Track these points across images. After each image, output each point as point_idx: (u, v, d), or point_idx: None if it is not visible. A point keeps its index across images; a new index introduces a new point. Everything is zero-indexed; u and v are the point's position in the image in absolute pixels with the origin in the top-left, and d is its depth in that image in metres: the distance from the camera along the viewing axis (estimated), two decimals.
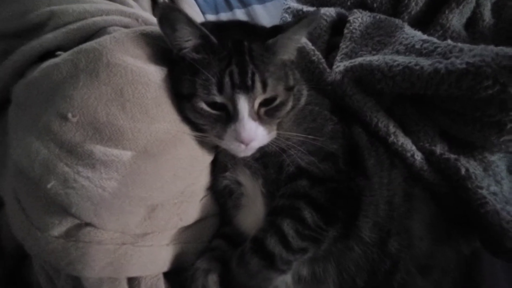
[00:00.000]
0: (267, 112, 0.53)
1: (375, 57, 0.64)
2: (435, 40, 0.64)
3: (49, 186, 0.42)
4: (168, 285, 0.50)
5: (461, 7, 0.79)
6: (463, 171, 0.59)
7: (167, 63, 0.53)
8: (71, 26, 0.55)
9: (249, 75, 0.49)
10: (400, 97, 0.69)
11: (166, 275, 0.51)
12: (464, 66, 0.52)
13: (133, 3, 0.64)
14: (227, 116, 0.51)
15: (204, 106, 0.50)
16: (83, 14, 0.56)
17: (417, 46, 0.65)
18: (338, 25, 0.85)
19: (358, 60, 0.66)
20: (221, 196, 0.60)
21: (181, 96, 0.51)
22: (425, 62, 0.57)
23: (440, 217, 0.57)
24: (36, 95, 0.49)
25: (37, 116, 0.47)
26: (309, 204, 0.50)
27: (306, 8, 0.86)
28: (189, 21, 0.46)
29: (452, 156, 0.62)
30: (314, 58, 0.78)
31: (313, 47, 0.79)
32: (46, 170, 0.43)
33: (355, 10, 0.82)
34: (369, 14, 0.82)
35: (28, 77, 0.52)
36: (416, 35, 0.68)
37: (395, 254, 0.52)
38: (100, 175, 0.42)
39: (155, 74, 0.50)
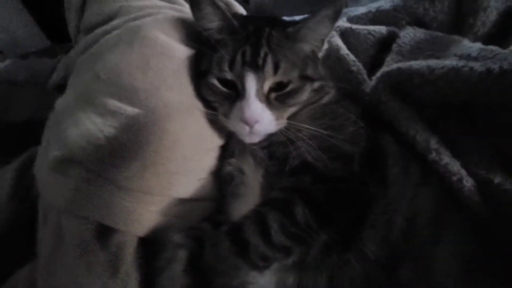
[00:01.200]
0: (278, 97, 0.52)
1: (417, 62, 0.57)
2: (497, 48, 0.54)
3: (64, 126, 0.48)
4: (139, 251, 0.48)
5: None
6: None
7: (197, 46, 0.58)
8: (131, 16, 0.66)
9: (261, 55, 0.49)
10: (447, 110, 0.58)
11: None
12: None
13: (185, 3, 0.73)
14: (236, 95, 0.51)
15: (216, 82, 0.52)
16: (143, 9, 0.67)
17: (474, 55, 0.56)
18: (389, 42, 0.80)
19: (397, 64, 0.60)
20: (223, 182, 0.58)
21: (200, 74, 0.54)
22: (476, 64, 0.48)
23: (485, 261, 0.43)
24: (87, 62, 0.59)
25: (81, 77, 0.56)
26: (304, 200, 0.44)
27: (354, 27, 0.85)
28: (213, 3, 0.50)
29: None
30: (353, 68, 0.74)
31: (354, 58, 0.76)
32: (67, 115, 0.49)
33: (409, 27, 0.77)
34: (424, 31, 0.75)
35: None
36: (475, 46, 0.59)
37: (406, 284, 0.40)
38: (105, 122, 0.46)
39: (181, 51, 0.55)
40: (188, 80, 0.54)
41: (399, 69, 0.58)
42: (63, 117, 0.50)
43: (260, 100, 0.50)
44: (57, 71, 0.75)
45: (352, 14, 0.93)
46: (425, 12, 0.78)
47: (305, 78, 0.54)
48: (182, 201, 0.53)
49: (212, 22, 0.53)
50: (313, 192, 0.46)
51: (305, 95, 0.54)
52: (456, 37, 0.69)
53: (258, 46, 0.50)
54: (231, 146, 0.59)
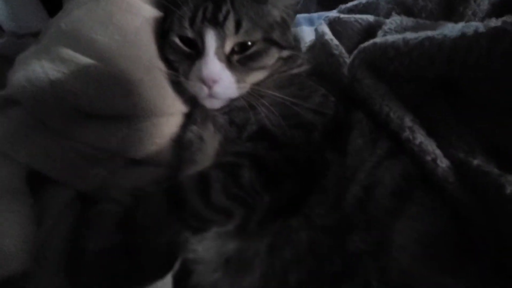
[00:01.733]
0: (240, 60, 0.50)
1: (394, 36, 0.54)
2: (480, 23, 0.50)
3: (15, 71, 0.46)
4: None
5: None
6: (508, 190, 0.40)
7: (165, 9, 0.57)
8: None
9: (223, 12, 0.47)
10: (426, 88, 0.54)
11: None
12: (499, 24, 0.38)
13: None
14: (197, 54, 0.49)
15: (176, 40, 0.50)
16: None
17: (455, 29, 0.52)
18: (376, 30, 0.78)
19: (374, 39, 0.57)
20: (182, 148, 0.55)
21: (164, 33, 0.53)
22: (451, 32, 0.45)
23: (451, 240, 0.37)
24: (57, 21, 0.58)
25: (47, 33, 0.55)
26: (253, 164, 0.41)
27: (342, 15, 0.83)
28: None
29: (495, 171, 0.43)
30: (335, 52, 0.71)
31: (337, 43, 0.73)
32: (22, 63, 0.48)
33: (395, 14, 0.75)
34: (412, 19, 0.72)
35: None
36: (458, 25, 0.56)
37: (354, 255, 0.35)
38: (53, 67, 0.44)
39: (147, 10, 0.54)
40: (151, 39, 0.53)
41: (374, 43, 0.55)
42: (18, 65, 0.49)
43: (220, 59, 0.47)
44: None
45: (343, 6, 0.92)
46: (414, 2, 0.76)
47: (271, 42, 0.51)
48: (132, 163, 0.50)
49: None
50: (266, 157, 0.42)
51: (269, 60, 0.51)
52: (442, 22, 0.66)
53: (220, 3, 0.48)
54: (194, 114, 0.56)
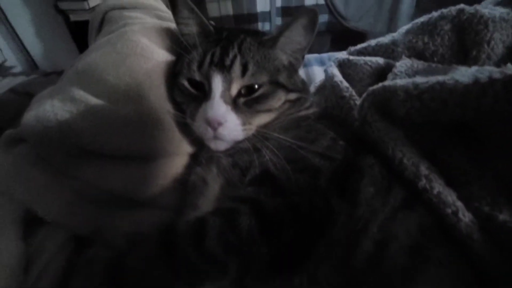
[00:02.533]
0: (246, 102, 0.50)
1: (403, 79, 0.53)
2: (494, 68, 0.49)
3: (29, 109, 0.48)
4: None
5: None
6: None
7: (178, 54, 0.59)
8: None
9: (230, 56, 0.49)
10: (440, 133, 0.51)
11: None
12: None
13: None
14: (203, 96, 0.50)
15: (185, 82, 0.51)
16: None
17: (467, 74, 0.51)
18: (386, 73, 0.77)
19: (383, 83, 0.56)
20: (187, 191, 0.53)
21: (174, 76, 0.54)
22: (463, 77, 0.43)
23: None
24: (76, 63, 0.61)
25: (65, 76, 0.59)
26: (254, 211, 0.38)
27: (352, 57, 0.84)
28: (189, 6, 0.52)
29: None
30: (345, 94, 0.70)
31: (347, 85, 0.72)
32: (36, 102, 0.50)
33: (406, 57, 0.75)
34: (423, 62, 0.72)
35: None
36: (472, 68, 0.54)
37: None
38: (63, 107, 0.45)
39: (160, 54, 0.56)
40: (161, 82, 0.54)
41: (383, 86, 0.54)
42: (33, 104, 0.51)
43: (226, 102, 0.48)
44: None
45: (352, 48, 0.94)
46: (425, 46, 0.76)
47: (277, 85, 0.51)
48: (133, 205, 0.48)
49: (189, 27, 0.54)
50: (268, 203, 0.39)
51: (276, 102, 0.51)
52: (456, 66, 0.65)
53: (227, 48, 0.50)
54: (200, 156, 0.55)
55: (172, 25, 0.69)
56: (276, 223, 0.37)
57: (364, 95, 0.59)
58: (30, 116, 0.45)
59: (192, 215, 0.49)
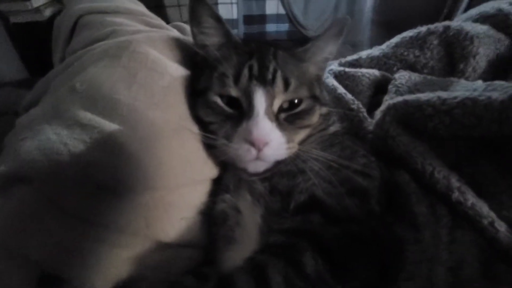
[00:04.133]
0: (287, 118, 0.46)
1: (424, 94, 0.54)
2: (504, 82, 0.53)
3: (21, 138, 0.37)
4: None
5: None
6: None
7: (192, 67, 0.53)
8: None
9: (271, 70, 0.45)
10: (469, 150, 0.53)
11: None
12: None
13: (175, 30, 0.71)
14: (240, 115, 0.44)
15: (217, 99, 0.45)
16: (139, 32, 0.63)
17: (480, 90, 0.54)
18: (383, 85, 0.80)
19: (403, 96, 0.57)
20: (214, 223, 0.47)
21: (196, 93, 0.48)
22: (494, 93, 0.45)
23: None
24: (64, 79, 0.51)
25: (54, 93, 0.48)
26: (314, 247, 0.34)
27: (347, 69, 0.86)
28: (214, 15, 0.47)
29: None
30: (353, 106, 0.71)
31: (352, 97, 0.73)
32: (27, 129, 0.39)
33: (402, 70, 0.78)
34: (418, 74, 0.76)
35: None
36: (477, 82, 0.59)
37: None
38: (71, 134, 0.36)
39: (174, 69, 0.49)
40: (181, 99, 0.48)
41: (405, 101, 0.55)
42: (23, 130, 0.40)
43: (270, 119, 0.43)
44: (31, 92, 0.66)
45: (343, 60, 0.96)
46: (416, 58, 0.81)
47: (315, 99, 0.49)
48: (161, 247, 0.41)
49: (212, 37, 0.48)
50: (325, 235, 0.36)
51: (315, 118, 0.49)
52: (452, 78, 0.70)
53: (265, 61, 0.46)
54: (225, 180, 0.50)
55: (179, 34, 0.62)
56: (343, 259, 0.34)
57: (384, 108, 0.59)
58: (31, 148, 0.34)
59: (233, 250, 0.43)
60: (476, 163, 0.51)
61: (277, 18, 2.77)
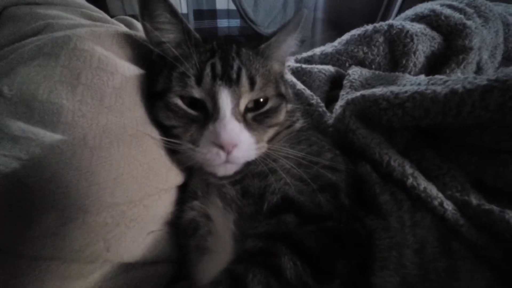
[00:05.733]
0: (255, 117, 0.44)
1: (378, 89, 0.58)
2: (445, 76, 0.59)
3: None
4: None
5: (461, 67, 0.79)
6: None
7: (146, 66, 0.48)
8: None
9: (235, 68, 0.42)
10: (414, 138, 0.58)
11: None
12: (485, 82, 0.44)
13: (121, 25, 0.65)
14: (205, 117, 0.42)
15: (179, 102, 0.42)
16: (77, 26, 0.55)
17: (424, 83, 0.59)
18: (338, 80, 0.84)
19: (360, 92, 0.60)
20: (184, 233, 0.44)
21: (155, 95, 0.44)
22: (437, 87, 0.50)
23: None
24: None
25: None
26: (292, 249, 0.34)
27: (304, 66, 0.88)
28: (170, 9, 0.43)
29: (495, 207, 0.47)
30: (313, 101, 0.73)
31: (311, 93, 0.75)
32: None
33: (354, 66, 0.83)
34: (368, 70, 0.81)
35: None
36: (420, 77, 0.64)
37: None
38: (1, 151, 0.30)
39: (126, 68, 0.44)
40: (136, 101, 0.43)
41: (363, 96, 0.58)
42: None
43: (238, 120, 0.41)
44: None
45: (299, 56, 0.98)
46: (365, 55, 0.86)
47: (281, 97, 0.48)
48: (126, 268, 0.36)
49: (169, 34, 0.44)
50: (301, 236, 0.36)
51: (282, 115, 0.48)
52: (398, 73, 0.76)
53: (228, 59, 0.43)
54: (192, 186, 0.47)
55: (133, 31, 0.56)
56: (322, 258, 0.34)
57: (343, 103, 0.61)
58: None
59: (206, 261, 0.41)
60: (421, 150, 0.56)
61: (228, 13, 2.73)
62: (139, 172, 0.39)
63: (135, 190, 0.38)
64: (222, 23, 2.76)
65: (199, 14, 2.77)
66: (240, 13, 2.75)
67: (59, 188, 0.31)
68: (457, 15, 0.83)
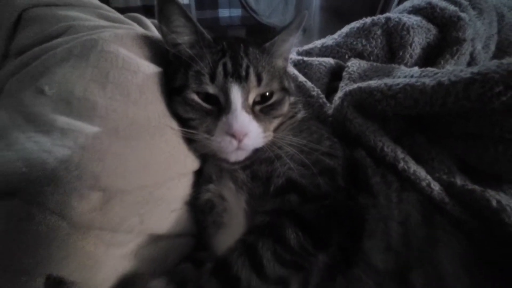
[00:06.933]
0: (262, 109, 0.50)
1: (373, 81, 0.63)
2: (435, 69, 0.64)
3: None
4: None
5: (455, 58, 0.83)
6: (494, 203, 0.49)
7: (164, 65, 0.53)
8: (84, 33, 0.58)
9: (243, 66, 0.48)
10: (407, 126, 0.64)
11: None
12: (468, 75, 0.49)
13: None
14: (219, 110, 0.48)
15: (195, 97, 0.48)
16: (97, 28, 0.61)
17: (416, 75, 0.64)
18: (337, 72, 0.89)
19: (356, 84, 0.65)
20: (201, 211, 0.50)
21: (173, 91, 0.50)
22: (426, 79, 0.55)
23: (481, 263, 0.43)
24: (24, 80, 0.48)
25: (16, 97, 0.45)
26: (295, 222, 0.41)
27: (306, 58, 0.92)
28: (185, 14, 0.48)
29: (477, 187, 0.53)
30: (313, 93, 0.78)
31: (312, 85, 0.80)
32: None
33: (353, 58, 0.87)
34: (366, 62, 0.86)
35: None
36: (414, 69, 0.69)
37: None
38: (53, 141, 0.36)
39: (146, 67, 0.50)
40: (157, 96, 0.48)
41: (359, 87, 0.63)
42: None
43: (247, 112, 0.47)
44: None
45: (300, 49, 1.02)
46: (363, 47, 0.91)
47: (284, 90, 0.53)
48: (155, 239, 0.43)
49: (183, 36, 0.50)
50: (303, 212, 0.42)
51: (286, 107, 0.54)
52: (393, 65, 0.80)
53: (237, 58, 0.49)
54: (206, 171, 0.53)
55: (150, 32, 0.61)
56: (321, 230, 0.41)
57: (341, 95, 0.67)
58: (9, 160, 0.33)
59: (222, 234, 0.47)
60: (412, 136, 0.62)
61: (230, 3, 2.73)
62: (162, 158, 0.45)
63: (160, 174, 0.44)
64: (224, 12, 2.76)
65: (201, 4, 2.77)
66: (242, 2, 2.75)
67: (103, 171, 0.37)
68: (452, 7, 0.86)
